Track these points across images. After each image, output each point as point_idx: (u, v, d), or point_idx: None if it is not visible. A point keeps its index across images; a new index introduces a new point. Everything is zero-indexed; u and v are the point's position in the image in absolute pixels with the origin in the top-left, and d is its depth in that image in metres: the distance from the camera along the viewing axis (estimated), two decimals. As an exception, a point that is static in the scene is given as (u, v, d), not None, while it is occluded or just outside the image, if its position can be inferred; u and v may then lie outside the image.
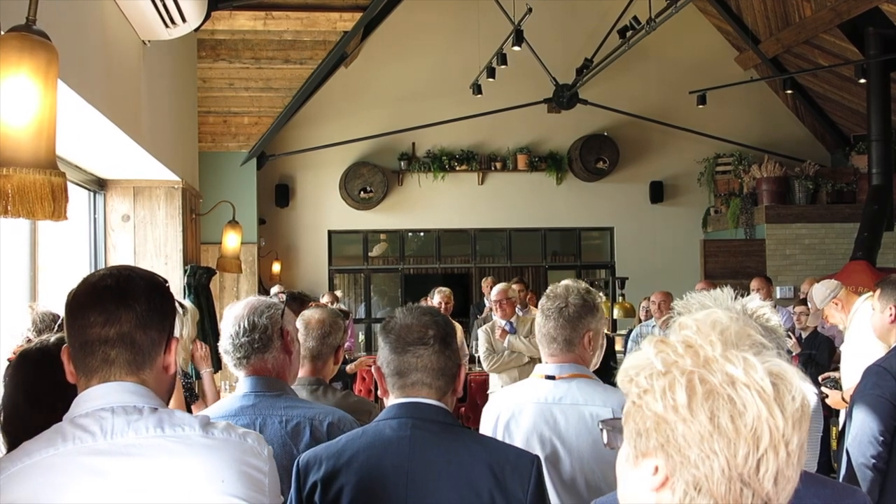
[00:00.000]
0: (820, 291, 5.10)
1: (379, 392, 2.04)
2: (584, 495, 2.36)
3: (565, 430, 2.42)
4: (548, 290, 2.60)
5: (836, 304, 5.02)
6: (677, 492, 1.05)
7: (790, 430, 1.02)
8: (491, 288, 7.28)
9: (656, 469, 1.06)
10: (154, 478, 1.41)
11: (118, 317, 1.49)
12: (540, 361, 2.62)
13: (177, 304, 1.71)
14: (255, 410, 2.25)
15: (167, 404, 1.56)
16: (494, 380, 6.24)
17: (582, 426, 2.41)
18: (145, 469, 1.41)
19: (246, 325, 2.31)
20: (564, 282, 2.63)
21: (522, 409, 2.49)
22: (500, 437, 2.48)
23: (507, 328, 6.22)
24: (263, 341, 2.31)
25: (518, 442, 2.44)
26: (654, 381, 1.07)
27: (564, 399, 2.45)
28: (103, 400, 1.47)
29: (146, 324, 1.51)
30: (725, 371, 1.03)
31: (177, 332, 1.61)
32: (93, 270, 5.61)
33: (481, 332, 6.25)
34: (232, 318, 2.34)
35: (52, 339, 1.98)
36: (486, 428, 2.58)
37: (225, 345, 2.34)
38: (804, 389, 1.05)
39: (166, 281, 1.63)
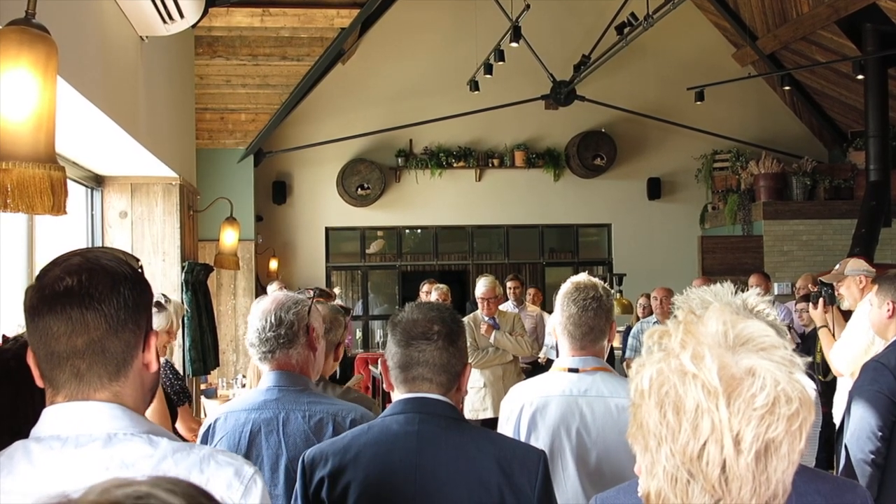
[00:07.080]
0: (857, 263, 4.83)
1: (384, 385, 2.05)
2: (610, 487, 2.38)
3: (592, 423, 2.45)
4: (573, 282, 2.59)
5: (861, 282, 4.67)
6: (656, 478, 1.10)
7: (741, 425, 1.02)
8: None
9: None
10: None
11: (85, 324, 1.28)
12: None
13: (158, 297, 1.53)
14: (279, 404, 2.28)
15: (149, 404, 1.42)
16: (475, 376, 6.07)
17: (608, 418, 2.44)
18: None
19: (273, 321, 2.33)
20: (583, 275, 2.63)
21: (548, 401, 2.50)
22: (523, 430, 2.50)
23: (491, 324, 6.14)
24: (289, 337, 2.33)
25: (543, 434, 2.46)
26: (638, 367, 1.14)
27: (590, 391, 2.48)
28: (62, 424, 1.28)
29: (119, 326, 1.30)
30: (680, 362, 1.06)
31: (155, 325, 1.42)
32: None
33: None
34: (259, 312, 2.36)
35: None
36: (506, 420, 2.59)
37: (251, 338, 2.36)
38: (788, 390, 1.04)
39: (138, 260, 1.44)
